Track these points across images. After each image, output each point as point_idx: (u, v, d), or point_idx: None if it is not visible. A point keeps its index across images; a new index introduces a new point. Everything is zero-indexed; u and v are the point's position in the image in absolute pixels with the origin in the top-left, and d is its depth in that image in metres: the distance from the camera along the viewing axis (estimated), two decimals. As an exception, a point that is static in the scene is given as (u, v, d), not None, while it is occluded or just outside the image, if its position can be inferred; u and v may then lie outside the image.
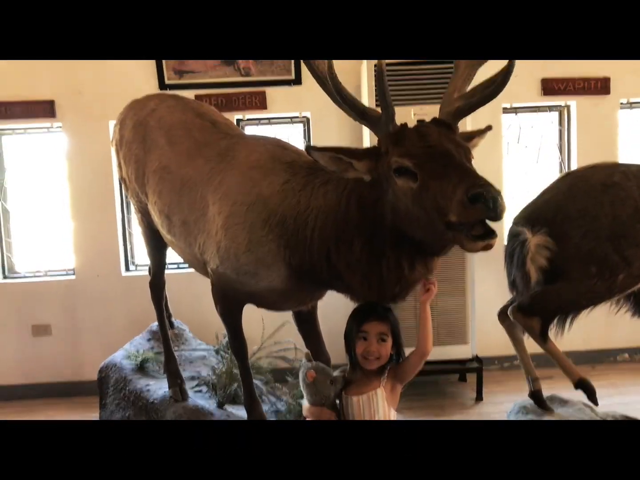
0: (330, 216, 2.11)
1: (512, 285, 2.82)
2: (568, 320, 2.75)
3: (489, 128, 2.10)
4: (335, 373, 2.08)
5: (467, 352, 4.09)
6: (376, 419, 1.95)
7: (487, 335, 4.10)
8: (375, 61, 3.93)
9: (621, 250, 2.55)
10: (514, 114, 4.56)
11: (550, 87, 4.44)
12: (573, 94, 4.46)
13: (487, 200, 1.58)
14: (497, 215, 1.60)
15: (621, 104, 4.52)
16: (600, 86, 4.44)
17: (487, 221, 1.66)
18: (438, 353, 4.02)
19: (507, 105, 4.50)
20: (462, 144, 1.84)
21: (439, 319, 3.99)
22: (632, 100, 4.55)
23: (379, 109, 1.94)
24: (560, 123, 4.62)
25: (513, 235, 2.74)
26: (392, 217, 1.90)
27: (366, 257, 2.01)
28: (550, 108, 4.57)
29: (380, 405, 1.96)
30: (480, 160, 4.26)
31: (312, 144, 4.39)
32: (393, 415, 2.00)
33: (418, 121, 2.09)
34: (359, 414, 1.97)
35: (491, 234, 1.65)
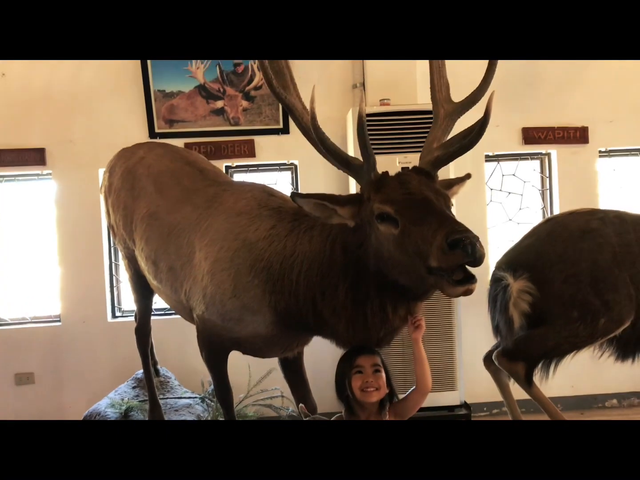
0: (315, 261, 2.15)
1: (496, 330, 2.85)
2: (552, 365, 2.76)
3: (468, 176, 2.17)
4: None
5: (455, 399, 4.06)
6: None
7: (475, 382, 4.09)
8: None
9: (601, 294, 2.60)
10: (496, 162, 4.67)
11: (530, 136, 4.57)
12: (553, 142, 4.59)
13: (466, 245, 1.62)
14: (476, 261, 1.65)
15: (600, 152, 4.65)
16: (579, 135, 4.57)
17: (468, 267, 1.70)
18: (426, 399, 4.01)
19: (490, 154, 4.61)
20: (442, 191, 1.90)
21: (426, 364, 3.98)
22: (609, 148, 4.68)
23: (361, 158, 2.00)
24: (542, 170, 4.73)
25: (495, 280, 2.79)
26: (375, 261, 1.94)
27: (351, 302, 2.04)
28: (532, 156, 4.69)
29: None
30: (465, 207, 4.40)
31: (299, 190, 4.46)
32: None
33: (403, 168, 2.15)
34: None
35: (471, 278, 1.69)
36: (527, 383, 2.68)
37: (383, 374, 2.01)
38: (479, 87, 2.15)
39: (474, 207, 4.54)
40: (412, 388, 2.04)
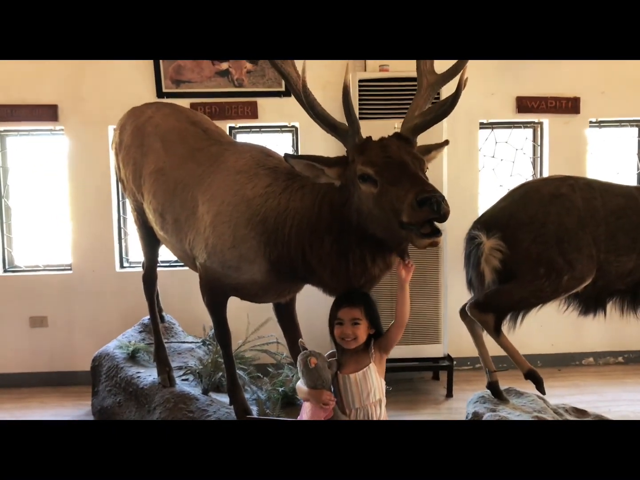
0: (305, 216, 2.38)
1: (469, 283, 3.10)
2: (520, 317, 3.01)
3: (446, 142, 2.37)
4: (327, 357, 2.32)
5: (439, 351, 4.34)
6: (372, 390, 2.20)
7: (459, 337, 4.36)
8: (360, 75, 4.20)
9: (566, 254, 2.83)
10: (490, 129, 4.85)
11: (524, 104, 4.73)
12: (545, 112, 4.75)
13: (433, 203, 1.86)
14: (442, 217, 1.89)
15: (590, 122, 4.82)
16: (571, 105, 4.74)
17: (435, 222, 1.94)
18: (412, 351, 4.31)
19: (484, 121, 4.79)
20: (418, 156, 2.12)
21: (413, 319, 4.20)
22: (600, 119, 4.84)
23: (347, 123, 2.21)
24: (534, 139, 4.91)
25: (470, 238, 3.03)
26: (357, 217, 2.17)
27: (335, 253, 2.28)
28: (525, 125, 4.86)
29: (374, 377, 2.22)
30: (458, 173, 4.59)
31: (299, 152, 4.66)
32: (383, 385, 2.27)
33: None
34: (357, 389, 2.21)
35: (437, 232, 1.93)
36: (496, 332, 2.94)
37: (362, 325, 2.23)
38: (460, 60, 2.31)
39: (466, 173, 4.75)
40: (392, 322, 2.27)
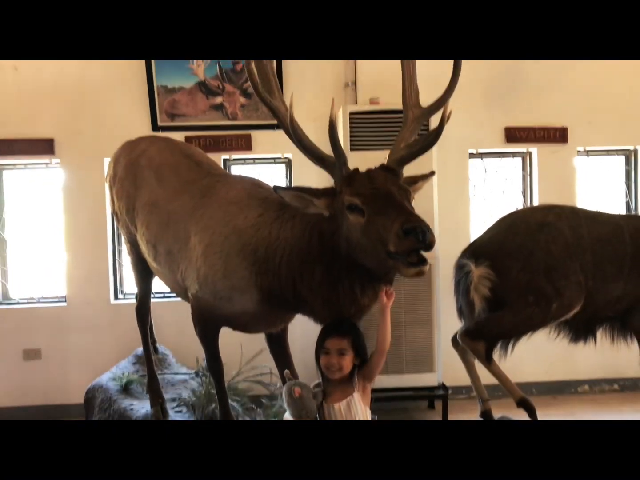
0: (296, 246, 2.41)
1: (460, 311, 3.13)
2: (510, 345, 3.03)
3: (432, 173, 2.42)
4: (312, 387, 2.33)
5: (433, 380, 4.33)
6: (356, 419, 2.20)
7: (454, 366, 4.36)
8: (351, 107, 4.28)
9: (554, 282, 2.87)
10: (480, 159, 4.93)
11: (513, 135, 4.82)
12: (534, 141, 4.84)
13: (418, 233, 1.90)
14: (427, 246, 1.93)
15: (578, 151, 4.90)
16: (559, 135, 4.83)
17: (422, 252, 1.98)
18: (406, 380, 4.31)
19: (474, 151, 4.87)
20: (404, 187, 2.17)
21: (406, 347, 4.27)
22: (588, 148, 4.93)
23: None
24: (524, 168, 4.98)
25: (459, 267, 3.07)
26: (346, 247, 2.21)
27: (326, 283, 2.31)
28: (514, 154, 4.95)
29: (359, 406, 2.22)
30: (449, 203, 4.65)
31: (292, 183, 4.73)
32: (369, 413, 2.27)
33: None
34: (341, 418, 2.21)
35: (423, 261, 1.97)
36: (487, 360, 2.95)
37: (348, 356, 2.22)
38: (445, 94, 2.39)
39: (457, 202, 4.81)
40: (373, 351, 2.28)
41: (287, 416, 2.30)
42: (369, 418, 2.26)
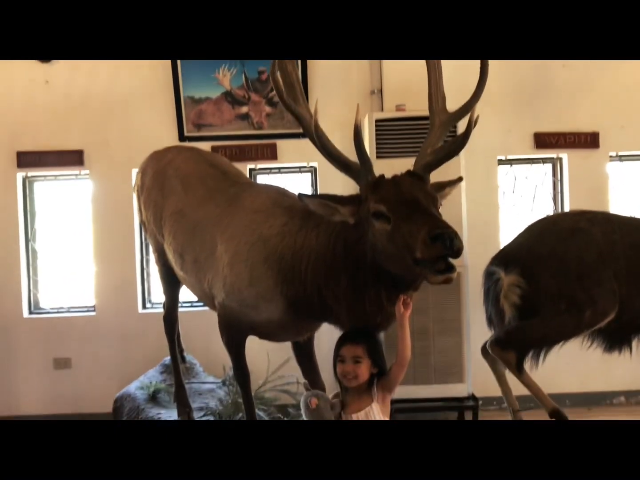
0: (321, 254, 2.39)
1: (489, 320, 3.06)
2: (542, 354, 2.95)
3: (460, 179, 2.38)
4: (331, 398, 2.31)
5: (463, 391, 4.26)
6: None
7: (484, 376, 4.27)
8: (377, 114, 4.27)
9: (587, 289, 2.79)
10: (509, 165, 4.85)
11: (542, 140, 4.73)
12: (564, 147, 4.75)
13: (445, 239, 1.86)
14: (455, 253, 1.88)
15: (610, 156, 4.79)
16: (590, 140, 4.73)
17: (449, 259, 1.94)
18: (435, 391, 4.24)
19: (502, 158, 4.80)
20: (431, 193, 2.13)
21: (435, 357, 4.20)
22: (620, 153, 4.81)
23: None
24: (554, 174, 4.89)
25: (488, 274, 3.00)
26: (371, 254, 2.18)
27: (351, 291, 2.28)
28: (544, 160, 4.86)
29: (377, 417, 2.18)
30: (477, 210, 4.59)
31: (318, 191, 4.71)
32: None
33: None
34: None
35: (451, 268, 1.93)
36: (518, 370, 2.88)
37: (363, 364, 2.18)
38: (472, 98, 2.35)
39: (486, 209, 4.74)
40: (393, 362, 2.24)
41: None
42: None
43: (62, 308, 4.85)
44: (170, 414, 3.60)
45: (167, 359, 4.09)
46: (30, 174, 4.78)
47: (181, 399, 3.51)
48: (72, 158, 4.70)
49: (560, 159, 4.84)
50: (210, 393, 4.02)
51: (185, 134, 4.70)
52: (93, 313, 4.77)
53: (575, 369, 4.68)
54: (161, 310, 3.85)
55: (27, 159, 4.69)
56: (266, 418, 3.48)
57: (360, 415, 2.18)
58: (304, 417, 2.27)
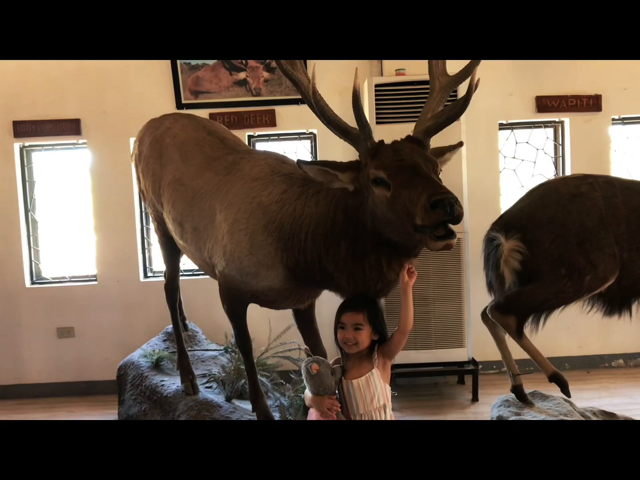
0: (320, 222, 2.38)
1: (490, 286, 3.06)
2: (542, 319, 2.96)
3: (460, 144, 2.35)
4: (332, 364, 2.33)
5: (463, 355, 4.30)
6: (375, 396, 2.19)
7: (484, 341, 4.31)
8: (377, 79, 4.20)
9: (587, 254, 2.78)
10: (510, 130, 4.80)
11: (544, 104, 4.67)
12: (566, 110, 4.69)
13: (445, 205, 1.84)
14: (455, 219, 1.87)
15: (613, 119, 4.73)
16: (592, 103, 4.67)
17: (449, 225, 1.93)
18: (436, 356, 4.28)
19: (503, 122, 4.74)
20: (431, 158, 2.10)
21: (436, 322, 4.23)
22: (623, 116, 4.76)
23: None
24: (555, 138, 4.84)
25: (489, 240, 2.99)
26: (371, 221, 2.17)
27: (351, 258, 2.27)
28: (545, 124, 4.80)
29: (378, 383, 2.21)
30: (478, 174, 4.56)
31: (317, 158, 4.68)
32: (388, 390, 2.25)
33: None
34: (360, 394, 2.20)
35: (451, 235, 1.91)
36: (518, 335, 2.89)
37: (364, 331, 2.20)
38: (472, 61, 2.30)
39: (487, 174, 4.71)
40: (395, 329, 2.25)
41: (307, 392, 2.30)
42: (389, 395, 2.24)
43: (64, 278, 4.87)
44: (174, 381, 3.64)
45: (170, 327, 4.12)
46: (27, 143, 4.75)
47: (184, 366, 3.54)
48: (69, 127, 4.67)
49: (562, 123, 4.79)
50: (212, 360, 4.06)
51: (183, 101, 4.64)
52: (95, 283, 4.79)
53: (575, 333, 4.73)
54: (162, 279, 3.86)
55: (24, 128, 4.66)
56: (269, 384, 3.52)
57: (361, 381, 2.20)
58: (305, 383, 2.29)
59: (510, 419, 2.83)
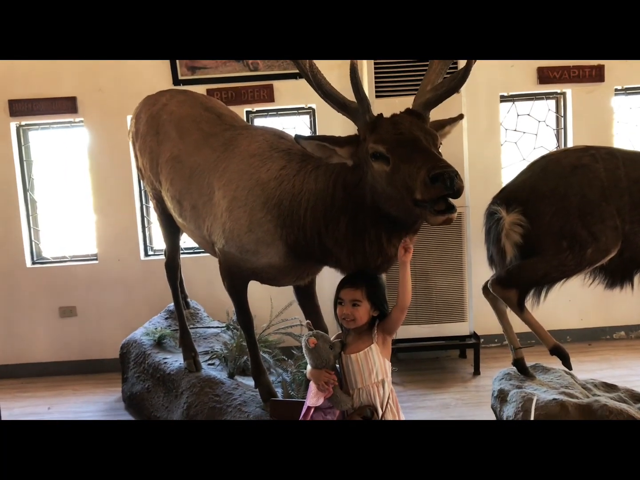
0: (320, 198, 2.36)
1: (491, 260, 3.05)
2: (543, 292, 2.95)
3: (460, 117, 2.31)
4: (333, 339, 2.33)
5: (465, 329, 4.31)
6: (374, 371, 2.18)
7: (486, 314, 4.31)
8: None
9: (589, 226, 2.75)
10: (511, 102, 4.74)
11: (545, 75, 4.60)
12: (568, 81, 4.62)
13: (445, 179, 1.82)
14: (455, 193, 1.85)
15: (616, 90, 4.67)
16: (595, 74, 4.60)
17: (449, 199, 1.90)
18: (437, 330, 4.30)
19: (505, 94, 4.68)
20: (431, 131, 2.07)
21: (437, 297, 4.23)
22: (626, 86, 4.69)
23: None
24: (557, 110, 4.78)
25: (490, 213, 2.96)
26: (371, 196, 2.14)
27: (351, 233, 2.26)
28: (547, 96, 4.74)
29: (376, 358, 2.20)
30: (479, 147, 4.51)
31: (317, 133, 4.63)
32: (388, 366, 2.24)
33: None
34: (358, 369, 2.20)
35: (451, 209, 1.89)
36: (519, 308, 2.88)
37: (362, 307, 2.18)
38: (472, 32, 2.25)
39: (488, 147, 4.67)
40: (394, 305, 2.24)
41: (308, 367, 2.31)
42: (388, 370, 2.24)
43: (64, 257, 4.86)
44: (176, 359, 3.66)
45: (171, 305, 4.12)
46: (23, 122, 4.70)
47: (186, 344, 3.55)
48: (65, 105, 4.61)
49: (564, 94, 4.72)
50: (215, 337, 4.07)
51: (179, 77, 4.58)
52: (95, 262, 4.78)
53: (576, 305, 4.72)
54: (163, 257, 3.86)
55: (20, 107, 4.61)
56: (270, 360, 3.53)
57: (359, 356, 2.20)
58: (305, 357, 2.29)
59: (512, 392, 2.84)
